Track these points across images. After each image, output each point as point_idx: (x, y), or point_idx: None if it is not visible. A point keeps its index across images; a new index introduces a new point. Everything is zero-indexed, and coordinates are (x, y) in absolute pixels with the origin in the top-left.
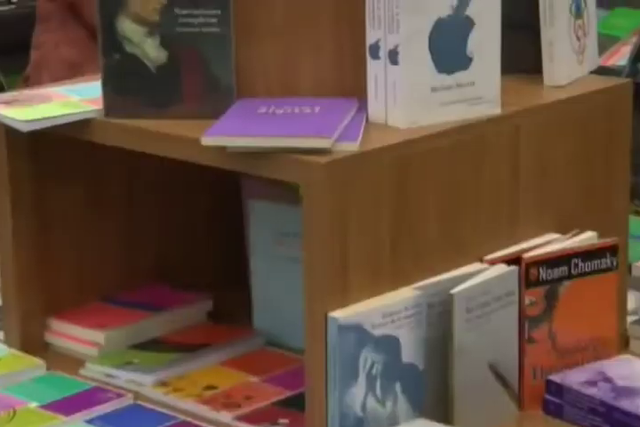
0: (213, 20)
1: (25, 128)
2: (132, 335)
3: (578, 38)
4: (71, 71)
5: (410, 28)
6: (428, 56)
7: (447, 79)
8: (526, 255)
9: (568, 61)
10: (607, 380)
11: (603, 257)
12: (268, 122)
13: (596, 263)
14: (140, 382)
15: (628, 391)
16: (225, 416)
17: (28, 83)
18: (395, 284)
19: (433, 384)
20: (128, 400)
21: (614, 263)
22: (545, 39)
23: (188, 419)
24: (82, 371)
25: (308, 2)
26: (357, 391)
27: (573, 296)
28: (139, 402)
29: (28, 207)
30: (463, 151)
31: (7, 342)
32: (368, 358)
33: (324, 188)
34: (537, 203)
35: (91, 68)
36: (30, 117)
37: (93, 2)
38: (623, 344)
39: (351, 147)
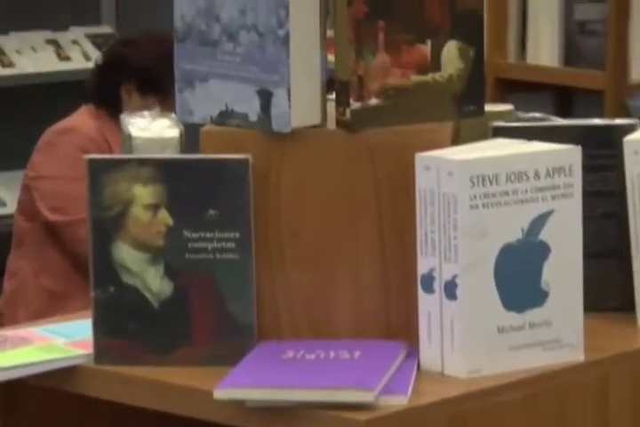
0: (231, 245)
1: None
2: None
3: None
4: (52, 304)
5: (471, 256)
6: (494, 289)
7: (517, 318)
8: None
9: None
10: None
11: None
12: (296, 370)
13: None
14: None
15: None
16: None
17: (1, 319)
18: None
19: None
20: None
21: None
22: (637, 270)
23: None
24: None
25: (343, 222)
26: None
27: None
28: None
29: None
30: (538, 407)
31: None
32: None
33: None
34: None
35: (77, 300)
36: (3, 364)
37: (76, 224)
38: None
39: (399, 401)
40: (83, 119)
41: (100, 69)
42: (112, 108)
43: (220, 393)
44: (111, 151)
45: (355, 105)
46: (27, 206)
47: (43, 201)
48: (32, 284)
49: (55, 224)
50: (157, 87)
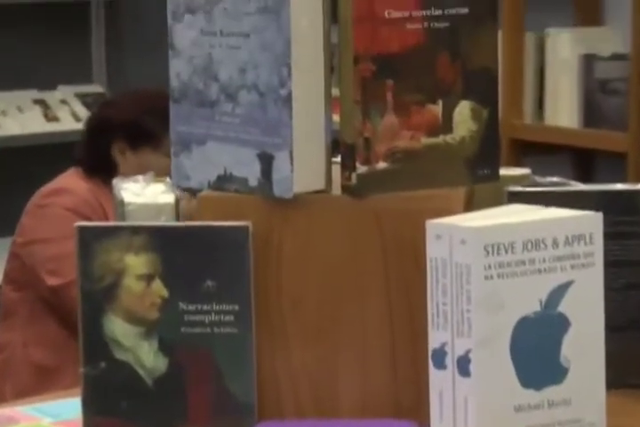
0: (229, 318)
1: None
2: None
3: None
4: (42, 379)
5: (485, 330)
6: (510, 365)
7: (535, 396)
8: None
9: None
10: None
11: None
12: None
13: None
14: None
15: None
16: None
17: None
18: None
19: None
20: None
21: None
22: None
23: None
24: None
25: (349, 293)
26: None
27: None
28: None
29: None
30: None
31: None
32: None
33: None
34: None
35: (68, 375)
36: None
37: (75, 285)
38: None
39: None
40: (74, 180)
41: (87, 136)
42: (105, 174)
43: None
44: (106, 217)
45: (361, 169)
46: (16, 275)
47: (39, 267)
48: (21, 357)
49: (56, 289)
50: (148, 136)
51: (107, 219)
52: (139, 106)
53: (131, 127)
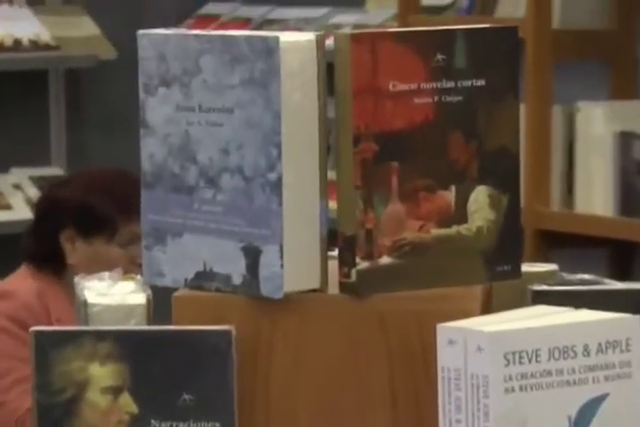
0: None
1: None
2: None
3: None
4: None
5: None
6: None
7: None
8: None
9: None
10: None
11: None
12: None
13: None
14: None
15: None
16: None
17: None
18: None
19: None
20: None
21: None
22: None
23: None
24: None
25: (349, 407)
26: None
27: None
28: None
29: None
30: None
31: None
32: None
33: None
34: None
35: None
36: None
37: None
38: None
39: None
40: (21, 279)
41: (34, 222)
42: (56, 266)
43: None
44: (49, 322)
45: (362, 264)
46: None
47: None
48: None
49: None
50: (102, 223)
51: (51, 325)
52: (92, 188)
53: (82, 212)
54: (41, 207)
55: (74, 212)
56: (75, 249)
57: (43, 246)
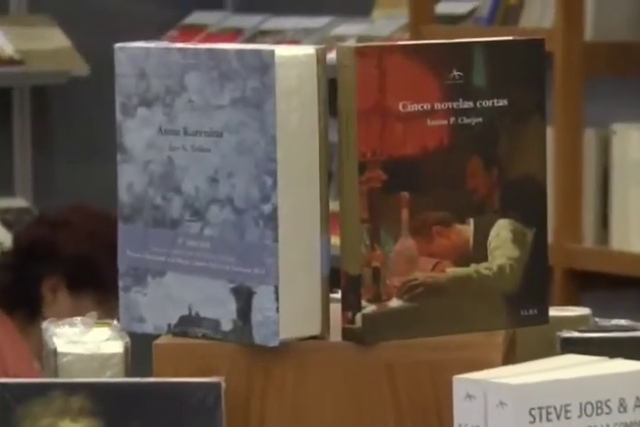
0: None
1: None
2: None
3: None
4: None
5: None
6: None
7: None
8: None
9: None
10: None
11: None
12: None
13: None
14: None
15: None
16: None
17: None
18: None
19: None
20: None
21: None
22: None
23: None
24: None
25: None
26: None
27: None
28: None
29: None
30: None
31: None
32: None
33: None
34: None
35: None
36: None
37: None
38: None
39: None
40: None
41: (17, 259)
42: (27, 311)
43: None
44: (5, 373)
45: (368, 308)
46: None
47: None
48: None
49: None
50: (96, 283)
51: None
52: (98, 239)
53: (82, 266)
54: (34, 247)
55: (72, 263)
56: (55, 300)
57: (19, 288)
